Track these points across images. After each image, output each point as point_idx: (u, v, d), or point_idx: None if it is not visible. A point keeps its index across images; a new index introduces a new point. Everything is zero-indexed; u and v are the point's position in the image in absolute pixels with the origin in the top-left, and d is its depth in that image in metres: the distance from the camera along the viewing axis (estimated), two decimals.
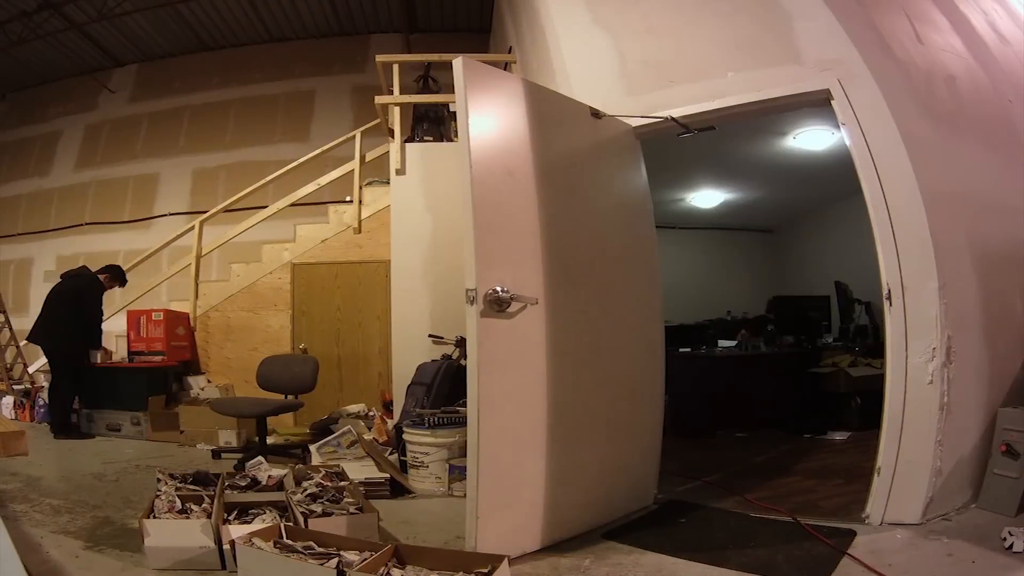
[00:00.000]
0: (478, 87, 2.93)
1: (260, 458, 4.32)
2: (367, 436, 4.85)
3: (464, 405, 3.66)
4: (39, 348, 6.32)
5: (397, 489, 3.97)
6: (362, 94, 9.67)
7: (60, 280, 6.33)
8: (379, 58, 6.16)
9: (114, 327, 6.84)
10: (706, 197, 7.80)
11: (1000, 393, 3.30)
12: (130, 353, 6.43)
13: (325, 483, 3.41)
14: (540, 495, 2.94)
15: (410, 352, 5.25)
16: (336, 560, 2.32)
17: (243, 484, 3.55)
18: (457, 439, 3.94)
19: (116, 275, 6.45)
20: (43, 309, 6.16)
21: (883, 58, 3.33)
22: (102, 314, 6.28)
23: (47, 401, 6.30)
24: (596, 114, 3.50)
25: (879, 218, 3.12)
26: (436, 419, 4.09)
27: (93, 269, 6.48)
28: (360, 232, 6.56)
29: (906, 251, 3.07)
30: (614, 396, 3.37)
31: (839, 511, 3.30)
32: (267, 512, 3.04)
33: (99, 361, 6.32)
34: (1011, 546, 2.64)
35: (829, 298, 7.12)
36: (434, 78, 6.71)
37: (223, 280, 7.22)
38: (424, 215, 5.53)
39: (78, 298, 6.08)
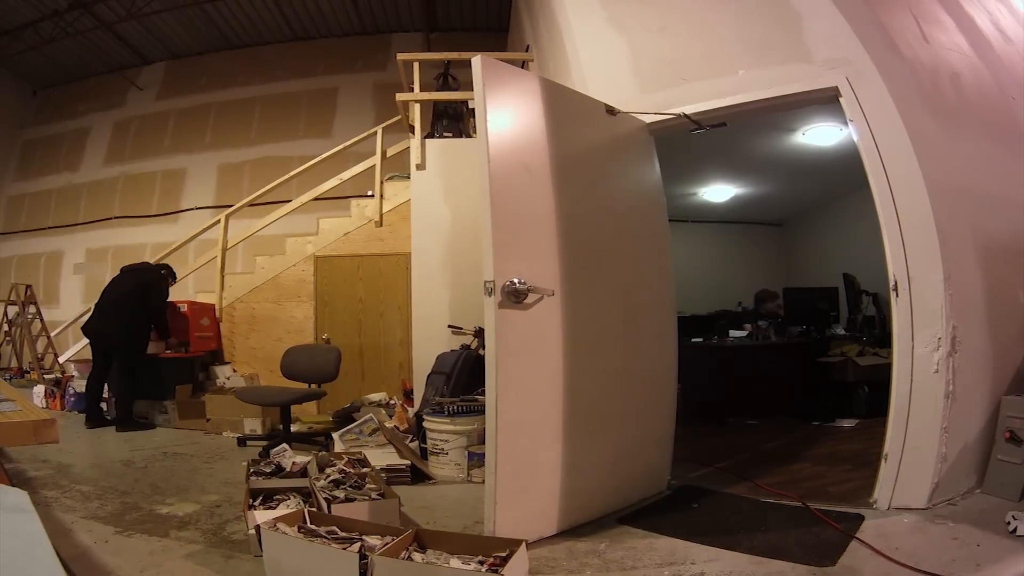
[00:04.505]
0: (496, 85, 2.97)
1: (284, 445, 4.35)
2: (388, 424, 4.87)
3: (482, 394, 3.67)
4: (67, 339, 6.36)
5: (417, 475, 4.02)
6: (383, 91, 9.78)
7: (121, 273, 6.32)
8: (400, 56, 6.23)
9: None
10: (718, 191, 7.82)
11: (1004, 382, 3.34)
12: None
13: (348, 470, 3.42)
14: (556, 481, 2.98)
15: (430, 342, 5.32)
16: (359, 544, 2.36)
17: (268, 471, 3.59)
18: (476, 427, 4.00)
19: (172, 273, 6.48)
20: (104, 302, 6.08)
21: (890, 57, 3.36)
22: (167, 307, 6.28)
23: (86, 391, 6.14)
24: (611, 111, 3.55)
25: (886, 212, 3.17)
26: (455, 407, 4.13)
27: (125, 263, 6.59)
28: (381, 225, 6.62)
29: (912, 244, 3.11)
30: (629, 385, 3.41)
31: (847, 496, 3.34)
32: (291, 498, 3.10)
33: (164, 351, 6.29)
34: (1015, 530, 2.68)
35: (837, 289, 7.16)
36: (453, 76, 6.76)
37: (248, 272, 7.31)
38: (443, 209, 5.59)
39: (146, 292, 6.05)
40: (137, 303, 5.99)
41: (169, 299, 6.36)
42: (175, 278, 6.57)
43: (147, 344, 6.09)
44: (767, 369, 5.97)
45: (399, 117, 6.67)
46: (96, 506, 3.42)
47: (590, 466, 3.14)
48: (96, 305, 6.14)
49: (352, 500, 2.99)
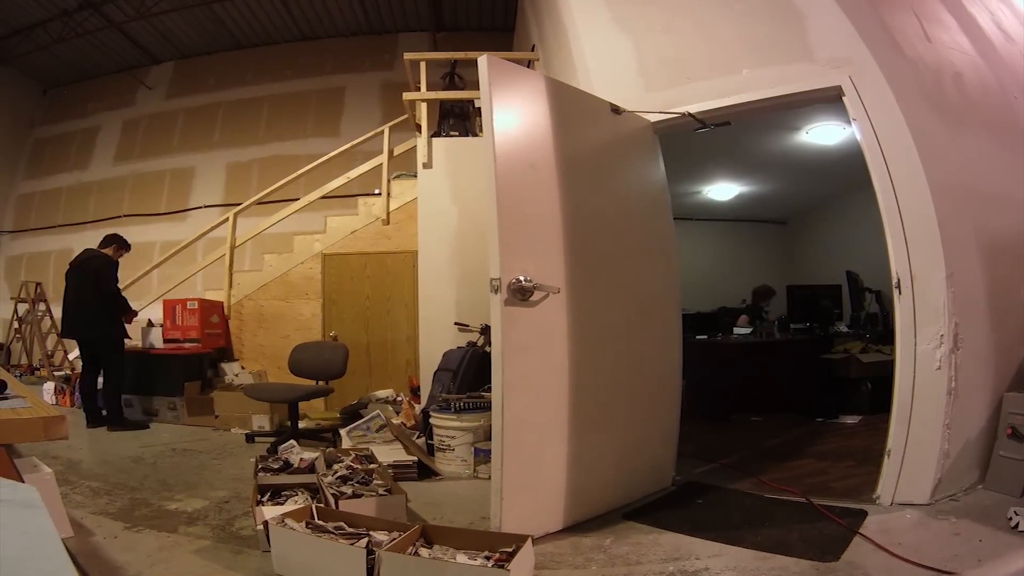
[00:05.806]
0: (502, 84, 2.99)
1: (292, 442, 4.33)
2: (395, 420, 4.91)
3: (489, 390, 3.68)
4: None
5: (424, 471, 4.04)
6: (390, 91, 9.82)
7: (71, 268, 5.98)
8: (407, 56, 6.25)
9: (150, 315, 7.02)
10: (722, 190, 7.86)
11: (1005, 378, 3.35)
12: (166, 340, 6.49)
13: (355, 466, 3.45)
14: (562, 477, 3.00)
15: (437, 339, 5.33)
16: (366, 540, 2.39)
17: (276, 467, 3.63)
18: (482, 423, 4.01)
19: (120, 243, 6.13)
20: (68, 301, 5.89)
21: (893, 56, 3.37)
22: (117, 282, 5.94)
23: (80, 392, 6.06)
24: (616, 110, 3.57)
25: (889, 210, 3.18)
26: (462, 404, 4.15)
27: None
28: (388, 224, 6.65)
29: (915, 242, 3.13)
30: (634, 382, 3.43)
31: (851, 492, 3.36)
32: (299, 494, 3.13)
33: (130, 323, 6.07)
34: (1016, 525, 2.69)
35: (841, 287, 7.17)
36: (460, 75, 6.78)
37: (256, 270, 7.35)
38: (450, 207, 5.60)
39: (96, 279, 5.75)
40: (94, 292, 5.75)
41: (176, 297, 6.34)
42: (127, 246, 6.19)
43: (123, 333, 5.90)
44: (771, 366, 5.98)
45: (406, 116, 6.69)
46: (105, 502, 3.44)
47: (595, 462, 3.16)
48: (63, 307, 5.99)
49: (359, 496, 3.02)
